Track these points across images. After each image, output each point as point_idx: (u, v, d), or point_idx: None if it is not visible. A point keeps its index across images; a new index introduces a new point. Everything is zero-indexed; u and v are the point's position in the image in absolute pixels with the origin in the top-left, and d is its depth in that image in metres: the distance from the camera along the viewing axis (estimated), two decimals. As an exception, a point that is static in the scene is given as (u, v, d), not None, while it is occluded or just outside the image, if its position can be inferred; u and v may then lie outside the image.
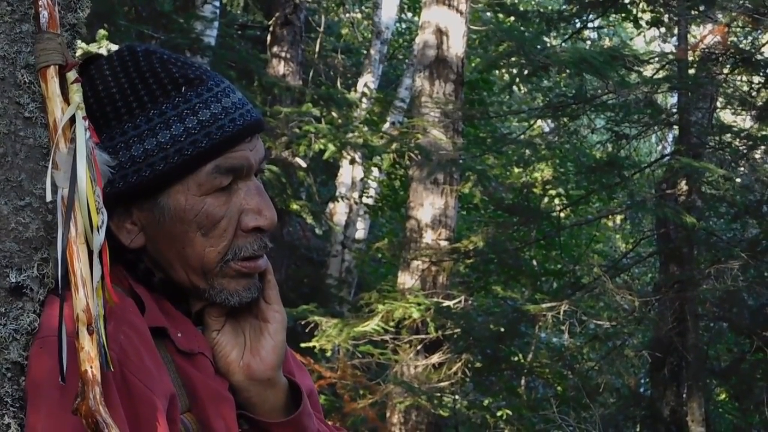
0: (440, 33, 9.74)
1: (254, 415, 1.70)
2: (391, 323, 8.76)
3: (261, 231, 1.65)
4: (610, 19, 14.41)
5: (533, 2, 18.16)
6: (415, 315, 8.60)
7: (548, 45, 10.35)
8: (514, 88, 13.00)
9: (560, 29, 10.76)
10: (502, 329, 9.22)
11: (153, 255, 1.64)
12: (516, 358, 10.14)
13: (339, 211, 13.67)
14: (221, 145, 1.60)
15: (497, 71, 13.93)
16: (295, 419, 1.71)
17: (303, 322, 8.97)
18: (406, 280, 9.32)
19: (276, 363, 1.69)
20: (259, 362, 1.68)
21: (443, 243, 9.41)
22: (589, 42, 15.27)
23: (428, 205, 9.47)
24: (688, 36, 9.45)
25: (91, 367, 1.39)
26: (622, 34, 19.29)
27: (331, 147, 9.77)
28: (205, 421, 1.61)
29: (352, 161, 11.80)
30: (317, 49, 13.72)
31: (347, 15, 15.58)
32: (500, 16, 14.27)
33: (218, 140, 1.60)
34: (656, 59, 9.70)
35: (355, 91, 13.55)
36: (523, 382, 10.28)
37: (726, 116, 11.91)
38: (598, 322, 9.20)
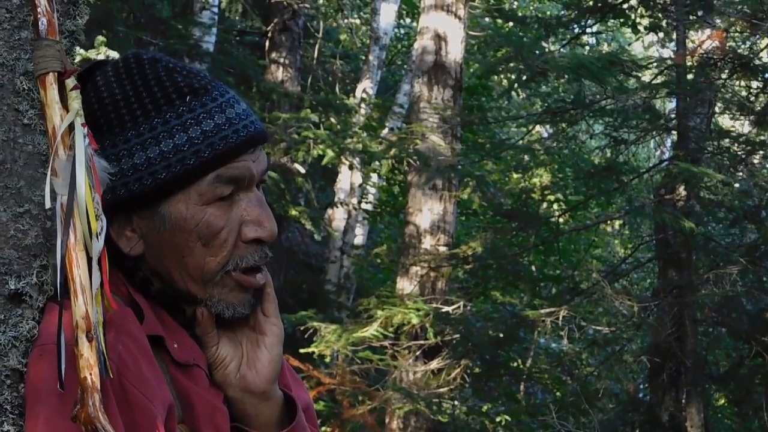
0: (439, 39, 9.74)
1: (249, 428, 1.70)
2: (390, 329, 8.75)
3: (261, 242, 1.65)
4: (609, 24, 14.45)
5: (532, 8, 18.17)
6: (414, 321, 8.60)
7: (547, 50, 10.37)
8: (513, 93, 13.02)
9: (559, 35, 10.77)
10: (501, 335, 9.21)
11: (152, 263, 1.64)
12: (515, 364, 10.13)
13: (338, 217, 13.67)
14: (224, 155, 1.60)
15: (496, 77, 13.93)
16: None
17: (302, 328, 8.97)
18: (404, 285, 9.32)
19: (272, 376, 1.69)
20: (254, 375, 1.68)
21: (442, 249, 9.40)
22: (587, 47, 15.26)
23: (427, 211, 9.47)
24: (687, 41, 9.45)
25: (91, 374, 1.39)
26: (620, 40, 19.33)
27: (330, 153, 9.77)
28: None
29: (351, 167, 11.82)
30: (316, 55, 13.72)
31: (346, 21, 15.57)
32: (499, 21, 14.30)
33: (221, 151, 1.60)
34: (654, 64, 9.70)
35: (354, 96, 13.55)
36: (522, 387, 10.27)
37: (724, 121, 11.92)
38: (597, 328, 9.20)
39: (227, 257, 1.63)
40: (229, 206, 1.63)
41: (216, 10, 11.78)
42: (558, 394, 10.34)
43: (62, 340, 1.42)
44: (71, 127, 1.50)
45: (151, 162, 1.58)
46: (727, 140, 9.20)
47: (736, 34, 9.32)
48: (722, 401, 11.33)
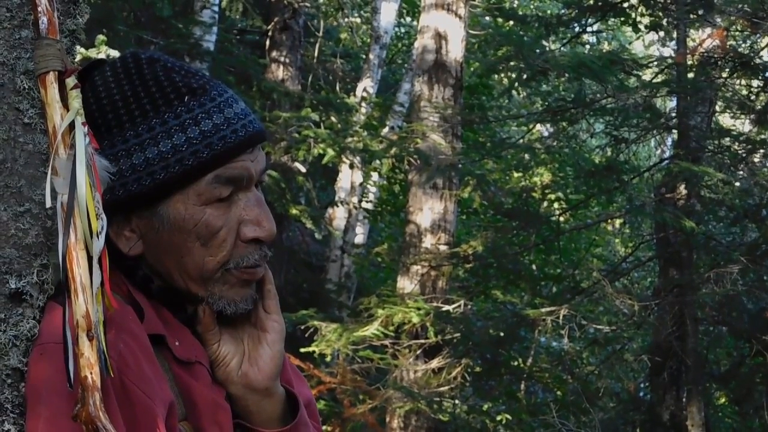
0: (439, 37, 9.74)
1: (251, 425, 1.70)
2: (391, 328, 8.75)
3: (260, 242, 1.65)
4: (609, 23, 14.45)
5: (532, 6, 18.18)
6: (415, 320, 8.60)
7: (547, 49, 10.37)
8: (513, 92, 13.03)
9: (559, 33, 10.77)
10: (502, 334, 9.21)
11: (151, 263, 1.64)
12: (515, 363, 10.12)
13: (338, 216, 13.68)
14: (222, 155, 1.60)
15: (496, 75, 13.94)
16: (291, 429, 1.72)
17: (302, 327, 8.96)
18: (405, 284, 9.32)
19: (274, 373, 1.70)
20: (256, 372, 1.68)
21: (442, 247, 9.40)
22: (588, 46, 15.27)
23: (427, 210, 9.47)
24: (687, 40, 9.45)
25: (91, 373, 1.39)
26: (621, 38, 19.33)
27: (331, 152, 9.77)
28: (201, 429, 1.61)
29: (352, 166, 11.82)
30: (316, 54, 13.73)
31: (346, 20, 15.57)
32: (499, 20, 14.31)
33: (219, 151, 1.60)
34: (655, 63, 9.71)
35: (354, 95, 13.55)
36: (522, 386, 10.25)
37: (725, 120, 11.92)
38: (598, 327, 9.19)
39: (226, 257, 1.63)
40: (228, 206, 1.63)
41: (216, 9, 11.77)
42: (559, 393, 10.33)
43: (69, 339, 1.42)
44: (72, 126, 1.50)
45: (150, 162, 1.58)
46: (727, 139, 9.20)
47: (737, 33, 9.32)
48: (723, 400, 11.33)
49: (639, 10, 9.85)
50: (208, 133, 1.60)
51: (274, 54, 12.12)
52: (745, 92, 9.40)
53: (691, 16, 9.15)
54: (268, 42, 12.28)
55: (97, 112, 1.60)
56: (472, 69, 14.15)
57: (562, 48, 11.20)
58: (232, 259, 1.63)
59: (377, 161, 11.01)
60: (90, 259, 1.45)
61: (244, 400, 1.69)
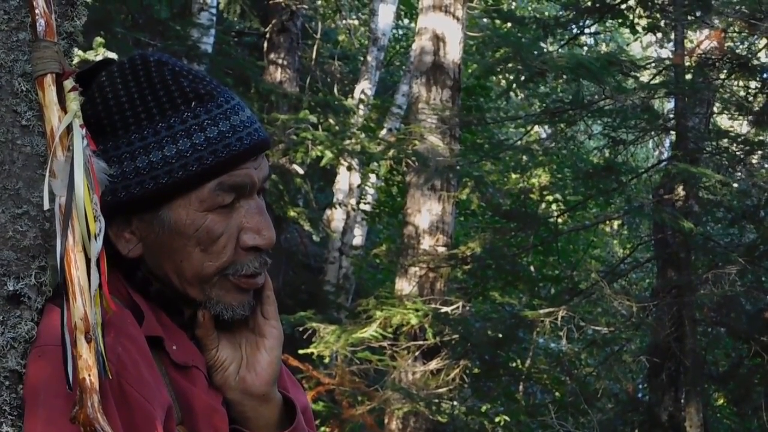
0: (437, 39, 9.74)
1: (248, 430, 1.70)
2: (389, 329, 8.74)
3: (259, 249, 1.65)
4: (607, 24, 14.45)
5: (530, 8, 18.17)
6: (413, 321, 8.59)
7: (545, 51, 10.36)
8: (511, 94, 13.02)
9: (557, 35, 10.76)
10: (500, 335, 9.21)
11: (150, 265, 1.64)
12: (514, 364, 10.13)
13: (336, 218, 13.67)
14: (226, 163, 1.60)
15: (494, 77, 13.93)
16: None
17: (301, 329, 8.96)
18: (403, 286, 9.31)
19: (271, 378, 1.70)
20: (254, 377, 1.69)
21: (441, 249, 9.40)
22: (585, 48, 15.28)
23: (426, 212, 9.47)
24: (685, 41, 9.45)
25: (89, 375, 1.39)
26: (618, 40, 19.34)
27: (329, 154, 9.77)
28: None
29: (350, 168, 11.80)
30: (314, 56, 13.72)
31: (344, 22, 15.57)
32: (497, 22, 14.29)
33: (224, 158, 1.60)
34: (653, 64, 9.70)
35: (352, 97, 13.55)
36: (521, 387, 10.25)
37: (723, 121, 11.94)
38: (596, 328, 9.19)
39: (226, 263, 1.63)
40: (229, 213, 1.63)
41: (214, 11, 11.76)
42: (557, 394, 10.34)
43: (67, 341, 1.42)
44: (69, 129, 1.49)
45: (154, 166, 1.58)
46: (725, 140, 9.20)
47: (735, 34, 9.33)
48: (721, 401, 11.33)
49: (637, 11, 9.86)
50: (214, 140, 1.60)
51: (272, 56, 12.12)
52: (743, 93, 9.40)
53: (689, 17, 9.15)
54: (266, 44, 12.28)
55: (103, 113, 1.60)
56: (470, 70, 14.14)
57: (560, 49, 11.19)
58: (231, 265, 1.63)
59: (375, 163, 11.02)
60: (88, 261, 1.45)
61: (242, 405, 1.69)
